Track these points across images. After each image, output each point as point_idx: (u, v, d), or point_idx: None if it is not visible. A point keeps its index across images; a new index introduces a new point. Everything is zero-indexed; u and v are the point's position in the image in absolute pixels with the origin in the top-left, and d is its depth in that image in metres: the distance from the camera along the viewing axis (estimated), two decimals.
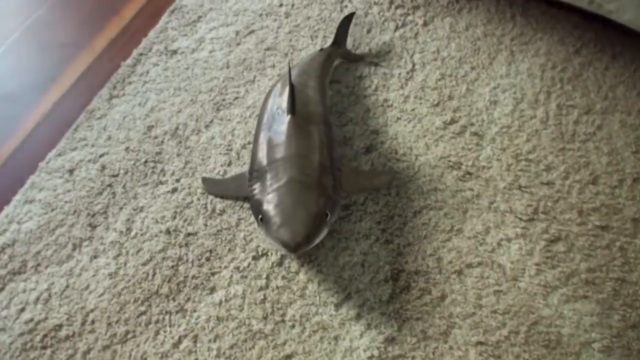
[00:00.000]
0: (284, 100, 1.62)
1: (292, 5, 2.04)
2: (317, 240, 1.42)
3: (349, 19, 1.95)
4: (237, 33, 1.96)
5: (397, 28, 1.96)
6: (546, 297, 1.43)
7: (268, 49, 1.93)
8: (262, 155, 1.53)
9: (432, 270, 1.48)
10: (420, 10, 2.00)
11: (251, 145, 1.65)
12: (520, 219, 1.56)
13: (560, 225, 1.54)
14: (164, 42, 1.95)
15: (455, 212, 1.57)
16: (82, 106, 1.83)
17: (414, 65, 1.87)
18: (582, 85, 1.80)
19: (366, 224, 1.56)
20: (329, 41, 1.93)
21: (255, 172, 1.52)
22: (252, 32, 1.97)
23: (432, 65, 1.87)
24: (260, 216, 1.43)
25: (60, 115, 1.83)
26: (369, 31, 1.96)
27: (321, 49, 1.88)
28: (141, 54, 1.93)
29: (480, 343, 1.37)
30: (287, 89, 1.61)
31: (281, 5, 2.05)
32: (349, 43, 1.94)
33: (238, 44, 1.94)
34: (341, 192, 1.53)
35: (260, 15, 2.02)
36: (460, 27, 1.96)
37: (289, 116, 1.57)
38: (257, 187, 1.49)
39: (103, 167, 1.69)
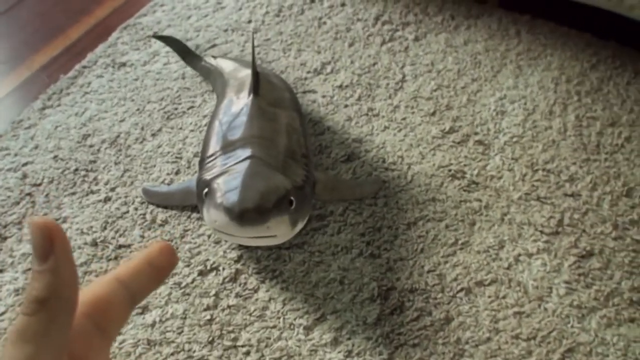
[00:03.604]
0: (245, 85, 1.31)
1: (263, 22, 1.76)
2: (272, 225, 1.04)
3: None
4: (197, 47, 1.67)
5: (383, 42, 1.68)
6: (582, 320, 1.11)
7: None
8: (216, 140, 1.20)
9: (432, 288, 1.15)
10: (411, 27, 1.73)
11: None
12: (542, 232, 1.24)
13: (592, 239, 1.22)
14: (112, 55, 1.66)
15: (460, 224, 1.25)
16: (10, 121, 1.51)
17: (404, 76, 1.58)
18: (602, 99, 1.52)
19: (346, 236, 1.23)
20: (303, 55, 1.65)
21: (207, 160, 1.19)
22: (214, 45, 1.68)
23: (426, 76, 1.58)
24: (205, 191, 1.09)
25: None
26: (351, 45, 1.68)
27: None
28: (84, 67, 1.63)
29: None
30: (249, 73, 1.32)
31: (250, 21, 1.76)
32: (330, 56, 1.64)
33: None
34: (314, 193, 1.21)
35: (225, 30, 1.73)
36: (458, 42, 1.68)
37: (251, 97, 1.26)
38: (205, 173, 1.15)
39: (24, 176, 1.36)
